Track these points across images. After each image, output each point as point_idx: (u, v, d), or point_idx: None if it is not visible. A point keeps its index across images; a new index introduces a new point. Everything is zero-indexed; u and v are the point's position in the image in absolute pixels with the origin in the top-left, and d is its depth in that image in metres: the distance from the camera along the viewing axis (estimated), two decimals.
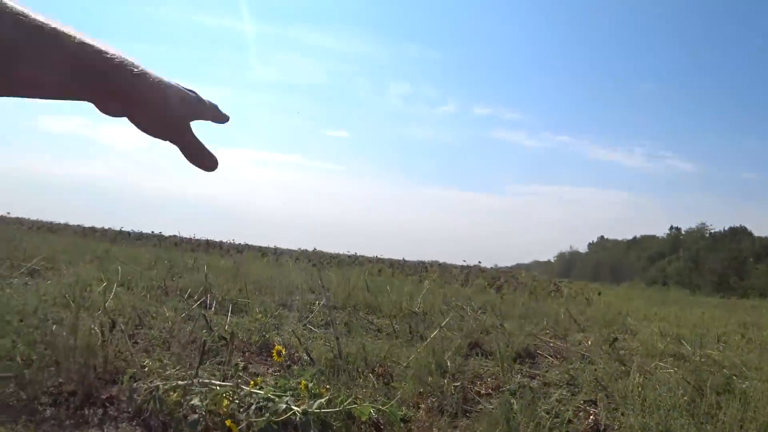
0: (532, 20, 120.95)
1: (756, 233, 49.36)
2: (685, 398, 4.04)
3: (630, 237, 70.46)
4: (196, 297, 7.89)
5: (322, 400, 2.47)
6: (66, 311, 4.11)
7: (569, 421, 3.47)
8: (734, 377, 5.06)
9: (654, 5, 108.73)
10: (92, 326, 3.70)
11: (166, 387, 2.88)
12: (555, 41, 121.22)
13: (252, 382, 2.97)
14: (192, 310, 6.77)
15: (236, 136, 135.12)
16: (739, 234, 49.65)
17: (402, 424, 2.88)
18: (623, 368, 4.99)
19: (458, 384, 4.08)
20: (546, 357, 6.65)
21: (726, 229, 51.54)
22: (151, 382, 2.98)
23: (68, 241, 20.17)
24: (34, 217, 37.83)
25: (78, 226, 36.15)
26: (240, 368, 3.49)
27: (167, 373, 3.06)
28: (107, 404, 3.17)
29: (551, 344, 7.44)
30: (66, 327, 3.44)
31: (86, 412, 3.09)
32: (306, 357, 4.56)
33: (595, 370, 5.32)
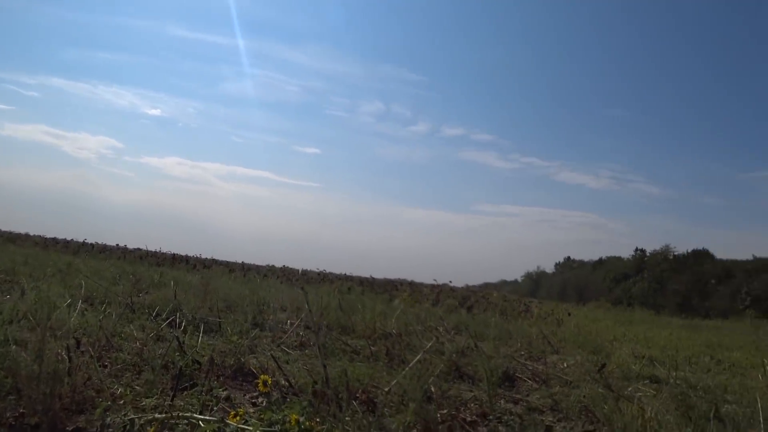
0: (504, 44, 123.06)
1: (718, 256, 50.54)
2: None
3: (596, 258, 71.44)
4: (164, 315, 7.60)
5: None
6: (29, 333, 3.84)
7: None
8: (718, 403, 5.00)
9: (624, 35, 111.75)
10: (58, 350, 3.45)
11: (141, 420, 2.67)
12: (526, 65, 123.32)
13: (236, 415, 2.77)
14: (161, 329, 6.50)
15: (206, 150, 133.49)
16: (701, 256, 50.69)
17: None
18: (611, 394, 4.88)
19: (445, 411, 3.93)
20: (525, 380, 6.55)
21: (689, 251, 52.57)
22: (124, 414, 2.76)
23: (28, 252, 19.50)
24: None
25: (39, 236, 35.16)
26: (222, 398, 3.28)
27: (142, 403, 2.84)
28: None
29: (529, 366, 7.35)
30: (30, 351, 3.18)
31: None
32: (285, 383, 4.36)
33: (584, 396, 5.20)
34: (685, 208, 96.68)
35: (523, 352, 8.93)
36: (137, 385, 3.76)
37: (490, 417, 4.32)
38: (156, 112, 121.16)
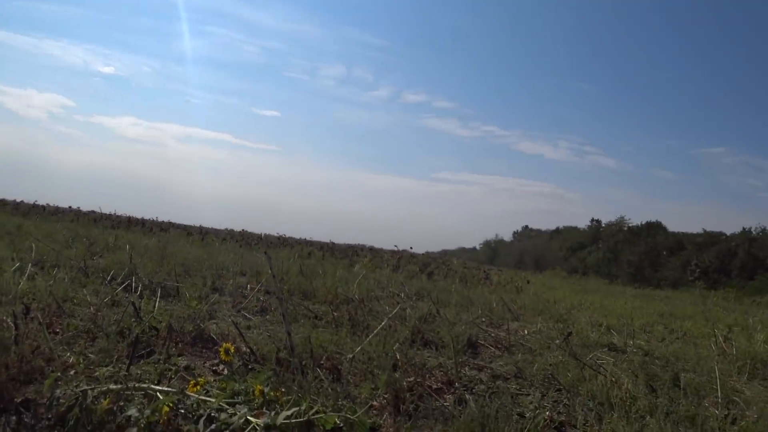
0: (469, 11, 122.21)
1: (670, 228, 52.03)
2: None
3: (553, 227, 72.69)
4: (119, 279, 7.35)
5: (288, 413, 2.17)
6: None
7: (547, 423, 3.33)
8: (678, 372, 5.09)
9: (590, 8, 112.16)
10: (3, 317, 3.24)
11: (95, 392, 2.50)
12: (490, 33, 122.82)
13: (196, 385, 2.64)
14: (116, 294, 6.27)
15: (162, 110, 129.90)
16: (654, 228, 52.05)
17: None
18: (576, 362, 4.92)
19: (411, 379, 3.87)
20: (488, 347, 6.57)
21: (643, 223, 53.89)
22: (76, 385, 2.58)
23: None
24: None
25: None
26: (181, 367, 3.13)
27: (95, 373, 2.67)
28: (22, 409, 2.74)
29: (491, 333, 7.38)
30: None
31: None
32: (246, 350, 4.23)
33: (549, 365, 5.23)
34: (640, 181, 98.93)
35: (484, 319, 8.98)
36: (91, 353, 3.58)
37: (456, 384, 4.28)
38: (109, 69, 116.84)
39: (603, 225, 59.63)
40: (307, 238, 33.53)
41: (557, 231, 70.45)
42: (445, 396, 4.01)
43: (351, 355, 4.46)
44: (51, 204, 32.73)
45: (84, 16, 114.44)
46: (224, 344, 2.95)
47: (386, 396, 3.26)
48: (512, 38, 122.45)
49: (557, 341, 6.70)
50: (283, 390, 2.60)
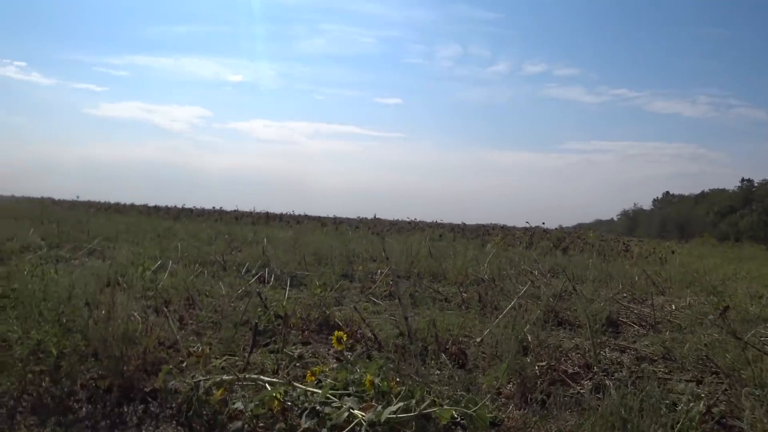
0: None
1: None
2: None
3: (697, 191, 67.21)
4: (254, 271, 7.60)
5: (393, 408, 1.99)
6: (121, 294, 3.78)
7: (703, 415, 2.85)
8: None
9: None
10: (133, 312, 3.35)
11: (208, 383, 2.48)
12: None
13: (309, 374, 2.54)
14: (249, 285, 6.45)
15: (290, 110, 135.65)
16: None
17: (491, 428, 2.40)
18: (736, 341, 4.30)
19: (544, 363, 3.54)
20: (631, 325, 6.03)
21: None
22: (192, 376, 2.59)
23: (132, 220, 20.48)
24: (102, 200, 39.31)
25: (143, 205, 37.12)
26: (294, 357, 3.07)
27: (211, 364, 2.66)
28: (149, 399, 2.81)
29: (634, 310, 6.79)
30: (102, 313, 3.09)
31: (125, 410, 2.73)
32: (371, 335, 4.13)
33: (704, 344, 4.63)
34: None
35: (625, 294, 8.32)
36: (218, 343, 3.64)
37: (594, 369, 3.87)
38: (238, 77, 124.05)
39: (756, 184, 54.14)
40: (438, 221, 33.49)
41: (702, 195, 65.06)
42: (581, 382, 3.63)
43: (479, 339, 4.21)
44: (197, 206, 35.28)
45: (211, 32, 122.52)
46: (336, 332, 2.83)
47: (514, 382, 2.99)
48: None
49: (711, 317, 5.98)
50: (398, 380, 2.43)
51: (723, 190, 61.34)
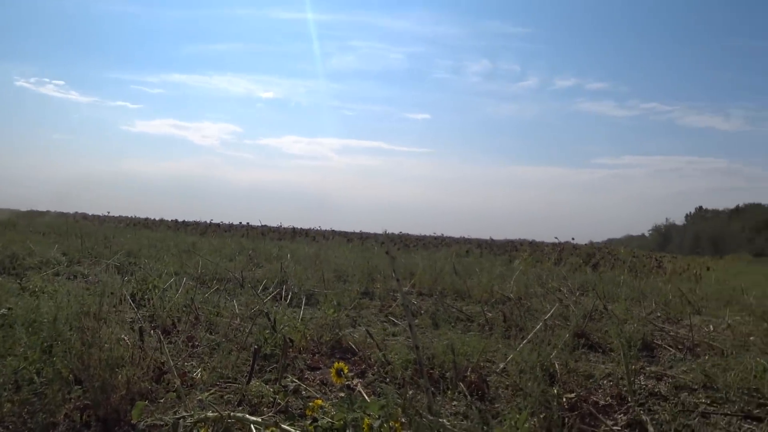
0: None
1: None
2: None
3: (732, 206, 65.46)
4: (271, 289, 7.38)
5: None
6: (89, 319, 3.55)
7: None
8: None
9: None
10: (122, 335, 3.12)
11: (188, 421, 2.22)
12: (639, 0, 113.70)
13: (308, 410, 2.27)
14: (264, 304, 6.22)
15: (319, 126, 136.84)
16: None
17: None
18: None
19: (573, 395, 3.20)
20: (666, 348, 5.62)
21: None
22: (175, 411, 2.33)
23: (159, 236, 20.50)
24: (131, 215, 39.73)
25: (172, 221, 37.40)
26: (290, 390, 2.79)
27: (197, 398, 2.40)
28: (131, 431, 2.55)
29: (669, 332, 6.36)
30: (87, 338, 2.85)
31: None
32: (384, 360, 3.83)
33: (749, 371, 4.21)
34: None
35: (659, 314, 7.88)
36: (212, 370, 3.38)
37: (629, 401, 3.49)
38: (269, 94, 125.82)
39: None
40: (466, 236, 33.14)
41: (737, 210, 63.27)
42: (615, 416, 3.27)
43: (502, 365, 3.88)
44: (225, 222, 35.40)
45: (243, 50, 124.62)
46: (336, 364, 2.55)
47: (539, 416, 2.65)
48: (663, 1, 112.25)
49: (754, 338, 5.53)
50: (402, 420, 2.14)
51: (759, 205, 59.72)
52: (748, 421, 3.42)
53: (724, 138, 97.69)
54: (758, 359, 4.54)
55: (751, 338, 5.85)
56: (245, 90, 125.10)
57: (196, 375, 2.94)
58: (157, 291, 5.69)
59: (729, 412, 3.58)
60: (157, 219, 38.66)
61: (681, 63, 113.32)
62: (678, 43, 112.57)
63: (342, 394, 3.17)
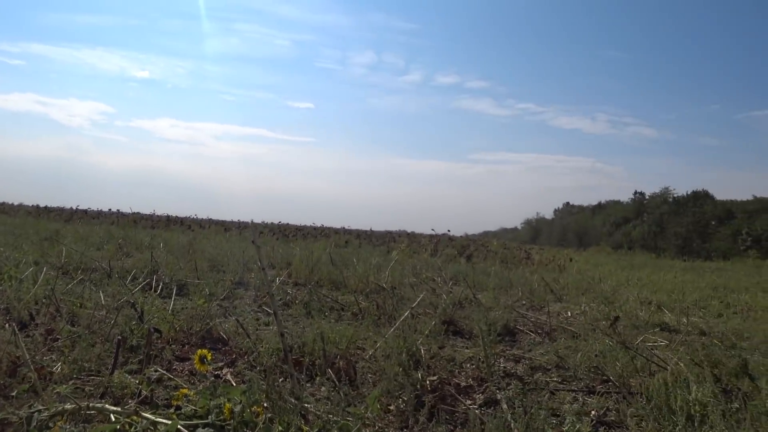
0: None
1: (717, 197, 49.90)
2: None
3: (595, 203, 70.83)
4: (141, 279, 7.12)
5: None
6: None
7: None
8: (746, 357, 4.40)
9: None
10: None
11: (44, 415, 2.17)
12: (519, 8, 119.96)
13: (174, 399, 2.29)
14: (132, 294, 6.01)
15: (198, 110, 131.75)
16: (701, 198, 50.02)
17: None
18: (626, 350, 4.36)
19: (435, 378, 3.43)
20: (527, 333, 6.09)
21: (689, 193, 51.82)
22: (30, 405, 2.26)
23: (17, 222, 18.98)
24: None
25: (33, 206, 34.60)
26: (153, 380, 2.78)
27: (55, 390, 2.34)
28: None
29: (531, 318, 6.88)
30: None
31: None
32: (253, 347, 3.88)
33: (595, 354, 4.67)
34: (683, 150, 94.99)
35: (524, 302, 8.48)
36: (73, 363, 3.27)
37: (488, 382, 3.79)
38: (144, 74, 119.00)
39: (647, 197, 57.71)
40: (346, 227, 33.42)
41: (600, 206, 68.63)
42: (473, 396, 3.55)
43: (371, 352, 4.06)
44: (93, 208, 33.31)
45: (116, 23, 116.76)
46: (199, 351, 2.58)
47: (403, 397, 2.83)
48: (541, 10, 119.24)
49: (598, 323, 6.12)
50: (265, 405, 2.22)
51: (618, 202, 64.87)
52: (592, 396, 3.83)
53: (590, 139, 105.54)
54: (603, 341, 5.07)
55: (602, 323, 6.46)
56: (118, 67, 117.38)
57: (56, 368, 2.84)
58: (13, 282, 5.33)
59: (575, 389, 3.99)
60: (15, 204, 35.66)
61: (555, 69, 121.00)
62: (552, 50, 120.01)
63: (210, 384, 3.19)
